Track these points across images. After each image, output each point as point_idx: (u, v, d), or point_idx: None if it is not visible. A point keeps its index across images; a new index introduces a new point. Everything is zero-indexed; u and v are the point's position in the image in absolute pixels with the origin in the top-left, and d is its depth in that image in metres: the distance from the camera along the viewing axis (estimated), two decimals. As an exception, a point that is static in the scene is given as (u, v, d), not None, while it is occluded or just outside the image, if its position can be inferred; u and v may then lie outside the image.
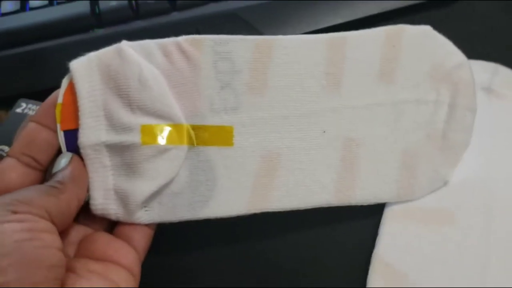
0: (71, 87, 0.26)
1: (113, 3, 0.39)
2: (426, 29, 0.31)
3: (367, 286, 0.29)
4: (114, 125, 0.26)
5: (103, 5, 0.39)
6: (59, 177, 0.24)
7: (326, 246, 0.32)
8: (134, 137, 0.26)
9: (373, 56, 0.30)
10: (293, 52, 0.29)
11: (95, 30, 0.39)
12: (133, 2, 0.39)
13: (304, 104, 0.29)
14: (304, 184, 0.29)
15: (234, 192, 0.28)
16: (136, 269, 0.25)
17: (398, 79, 0.30)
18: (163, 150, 0.27)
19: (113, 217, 0.27)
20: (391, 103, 0.30)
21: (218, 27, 0.39)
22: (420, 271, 0.29)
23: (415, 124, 0.30)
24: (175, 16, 0.39)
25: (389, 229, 0.31)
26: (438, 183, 0.31)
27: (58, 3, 0.40)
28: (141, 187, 0.26)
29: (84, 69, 0.26)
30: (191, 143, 0.28)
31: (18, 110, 0.35)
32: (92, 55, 0.27)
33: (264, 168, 0.29)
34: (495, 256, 0.30)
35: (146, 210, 0.27)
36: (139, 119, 0.26)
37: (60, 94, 0.26)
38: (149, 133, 0.26)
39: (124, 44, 0.27)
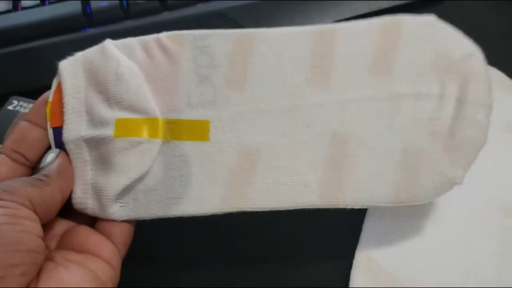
0: (60, 86, 0.27)
1: (104, 3, 0.40)
2: (430, 19, 0.28)
3: (350, 281, 0.30)
4: (93, 119, 0.27)
5: (94, 5, 0.40)
6: (45, 170, 0.25)
7: (312, 239, 0.32)
8: (108, 130, 0.26)
9: (366, 47, 0.28)
10: (276, 45, 0.28)
11: (86, 29, 0.40)
12: (124, 1, 0.40)
13: (286, 98, 0.28)
14: (285, 183, 0.27)
15: (208, 189, 0.27)
16: (115, 262, 0.26)
17: (395, 71, 0.27)
18: (135, 143, 0.27)
19: (90, 212, 0.27)
20: (386, 97, 0.27)
21: (208, 27, 0.39)
22: (403, 266, 0.30)
23: (416, 120, 0.27)
24: (166, 16, 0.40)
25: (372, 224, 0.31)
26: (445, 186, 0.27)
27: (50, 3, 0.41)
28: (113, 181, 0.26)
29: (71, 67, 0.27)
30: (165, 138, 0.27)
31: (10, 107, 0.36)
32: (79, 54, 0.28)
33: (241, 165, 0.27)
34: (478, 254, 0.30)
35: (121, 206, 0.27)
36: (116, 113, 0.27)
37: (50, 93, 0.27)
38: (123, 126, 0.26)
39: (108, 42, 0.27)
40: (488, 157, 0.33)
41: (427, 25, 0.28)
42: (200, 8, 0.40)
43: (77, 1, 0.40)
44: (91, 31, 0.40)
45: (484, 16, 0.42)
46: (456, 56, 0.27)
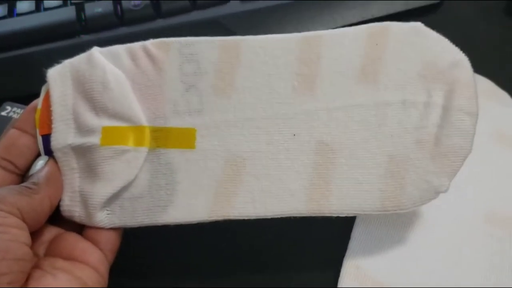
0: (49, 94, 0.27)
1: (99, 9, 0.40)
2: (416, 25, 0.28)
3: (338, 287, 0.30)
4: (80, 127, 0.27)
5: (89, 11, 0.40)
6: (34, 178, 0.25)
7: (301, 245, 0.33)
8: (94, 139, 0.26)
9: (353, 55, 0.28)
10: (262, 52, 0.28)
11: (81, 36, 0.40)
12: (118, 7, 0.40)
13: (273, 106, 0.28)
14: (271, 191, 0.27)
15: (194, 197, 0.27)
16: (103, 268, 0.26)
17: (381, 79, 0.28)
18: (120, 152, 0.27)
19: (77, 220, 0.27)
20: (373, 105, 0.28)
21: (201, 34, 0.39)
22: (391, 274, 0.30)
23: (402, 128, 0.27)
24: (160, 23, 0.40)
25: (360, 232, 0.32)
26: (430, 195, 0.27)
27: (45, 9, 0.41)
28: (99, 189, 0.26)
29: (58, 75, 0.27)
30: (151, 146, 0.27)
31: (3, 113, 0.36)
32: (67, 62, 0.28)
33: (227, 173, 0.27)
34: (465, 263, 0.31)
35: (108, 214, 0.27)
36: (102, 121, 0.27)
37: (39, 101, 0.27)
38: (109, 135, 0.27)
39: (95, 49, 0.28)
40: (476, 166, 0.33)
41: (414, 32, 0.28)
42: (195, 15, 0.41)
43: (72, 7, 0.40)
44: (86, 37, 0.40)
45: (476, 26, 0.43)
46: (442, 64, 0.27)
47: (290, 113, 0.28)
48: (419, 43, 0.28)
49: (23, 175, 0.27)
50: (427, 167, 0.27)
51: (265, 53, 0.28)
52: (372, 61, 0.28)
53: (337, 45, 0.28)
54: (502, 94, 0.38)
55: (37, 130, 0.27)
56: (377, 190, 0.27)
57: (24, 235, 0.23)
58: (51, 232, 0.27)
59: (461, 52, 0.28)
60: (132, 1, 0.40)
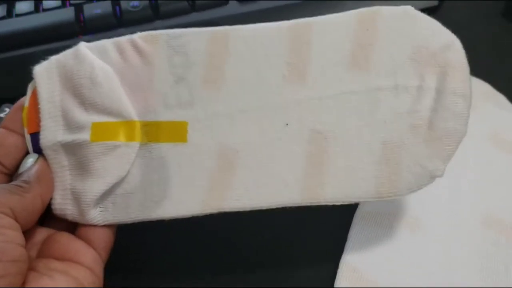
0: (36, 91, 0.27)
1: (98, 10, 0.40)
2: (407, 9, 0.28)
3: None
4: (70, 124, 0.26)
5: (87, 12, 0.40)
6: (24, 176, 0.25)
7: (298, 246, 0.33)
8: (84, 135, 0.26)
9: (344, 41, 0.28)
10: (251, 42, 0.28)
11: (79, 36, 0.40)
12: (117, 8, 0.40)
13: (264, 96, 0.27)
14: (265, 183, 0.27)
15: (187, 191, 0.27)
16: (98, 268, 0.26)
17: (373, 65, 0.27)
18: (111, 147, 0.26)
19: (70, 218, 0.26)
20: (365, 92, 0.27)
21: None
22: (387, 276, 0.30)
23: (395, 113, 0.27)
24: (158, 24, 0.40)
25: (358, 233, 0.31)
26: (425, 179, 0.27)
27: (44, 10, 0.41)
28: (91, 186, 0.26)
29: (45, 72, 0.27)
30: (143, 140, 0.27)
31: (2, 115, 0.36)
32: (53, 58, 0.28)
33: (220, 166, 0.27)
34: (461, 265, 0.30)
35: (101, 211, 0.27)
36: (91, 117, 0.26)
37: (26, 99, 0.27)
38: (99, 130, 0.26)
39: (81, 45, 0.27)
40: (472, 169, 0.33)
41: (404, 16, 0.28)
42: (193, 17, 0.41)
43: (71, 8, 0.40)
44: (85, 38, 0.40)
45: (475, 28, 0.43)
46: (434, 47, 0.27)
47: (281, 103, 0.27)
48: (410, 27, 0.27)
49: (11, 175, 0.26)
50: (421, 151, 0.27)
51: (255, 43, 0.28)
52: (363, 47, 0.27)
53: (327, 32, 0.28)
54: (500, 97, 0.37)
55: (25, 129, 0.26)
56: (372, 177, 0.27)
57: (18, 236, 0.23)
58: (41, 233, 0.27)
59: (452, 34, 0.27)
60: (131, 2, 0.40)
